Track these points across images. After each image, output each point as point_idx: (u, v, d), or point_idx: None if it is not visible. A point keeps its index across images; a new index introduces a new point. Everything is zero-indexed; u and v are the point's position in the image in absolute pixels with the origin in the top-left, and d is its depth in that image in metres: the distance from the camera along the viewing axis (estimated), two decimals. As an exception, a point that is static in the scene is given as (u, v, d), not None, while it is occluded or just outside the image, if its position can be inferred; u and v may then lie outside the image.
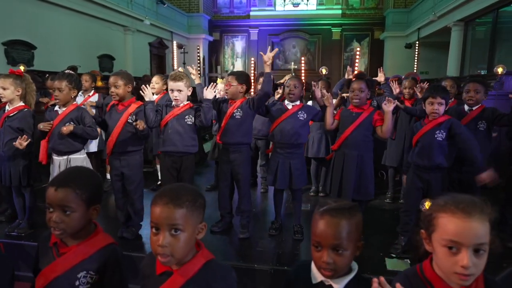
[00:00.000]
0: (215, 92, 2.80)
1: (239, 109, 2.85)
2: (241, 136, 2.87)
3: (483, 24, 8.73)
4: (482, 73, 8.74)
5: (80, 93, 4.39)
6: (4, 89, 2.80)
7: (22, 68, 5.25)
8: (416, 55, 11.71)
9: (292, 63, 15.08)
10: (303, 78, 6.78)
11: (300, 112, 2.90)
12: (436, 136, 2.51)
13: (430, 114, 2.54)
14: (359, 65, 9.93)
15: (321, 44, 15.39)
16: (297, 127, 2.87)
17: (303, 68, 9.95)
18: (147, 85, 2.80)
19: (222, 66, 16.03)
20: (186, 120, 2.77)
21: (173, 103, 2.81)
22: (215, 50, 16.00)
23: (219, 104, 2.96)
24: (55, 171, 2.71)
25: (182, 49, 11.90)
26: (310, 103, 3.78)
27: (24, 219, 3.00)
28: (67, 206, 1.17)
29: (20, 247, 2.77)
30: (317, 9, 15.46)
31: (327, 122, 2.88)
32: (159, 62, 12.96)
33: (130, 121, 2.72)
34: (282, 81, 4.50)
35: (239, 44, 16.10)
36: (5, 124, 2.85)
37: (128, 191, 2.84)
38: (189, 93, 2.84)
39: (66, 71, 2.83)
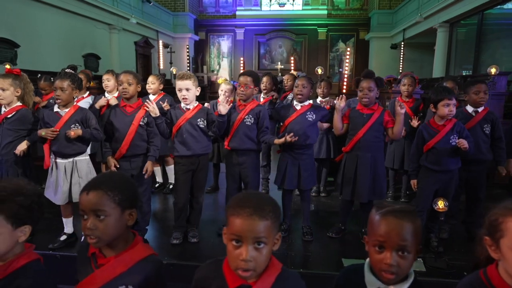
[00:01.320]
0: (228, 106, 2.68)
1: (250, 115, 2.80)
2: (251, 143, 2.82)
3: (468, 25, 8.97)
4: (464, 74, 8.99)
5: (73, 93, 4.24)
6: (4, 90, 2.66)
7: (8, 66, 5.01)
8: (401, 56, 11.92)
9: (279, 63, 15.11)
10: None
11: (308, 113, 2.88)
12: (451, 141, 2.55)
13: (445, 116, 2.57)
14: (348, 65, 10.08)
15: (307, 44, 15.48)
16: (306, 127, 2.84)
17: (292, 68, 10.01)
18: (151, 101, 2.72)
19: (208, 66, 15.87)
20: (198, 123, 2.73)
21: (182, 103, 2.74)
22: (200, 49, 15.84)
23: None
24: (60, 175, 2.59)
25: (169, 49, 11.71)
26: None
27: (22, 225, 2.86)
28: (100, 209, 1.11)
29: (56, 258, 2.63)
30: (303, 9, 15.54)
31: (337, 127, 2.86)
32: (144, 62, 12.73)
33: (142, 123, 2.67)
34: (285, 80, 4.47)
35: (225, 44, 16.00)
36: (2, 126, 2.71)
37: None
38: (198, 93, 2.77)
39: (67, 70, 2.71)
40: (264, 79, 4.13)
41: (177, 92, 2.74)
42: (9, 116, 2.73)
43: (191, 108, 2.75)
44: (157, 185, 4.20)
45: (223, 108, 2.63)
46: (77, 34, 9.04)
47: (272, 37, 15.64)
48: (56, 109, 2.63)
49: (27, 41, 7.30)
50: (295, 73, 4.44)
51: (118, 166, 2.63)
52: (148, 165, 2.69)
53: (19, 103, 2.77)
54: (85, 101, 4.07)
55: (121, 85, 2.64)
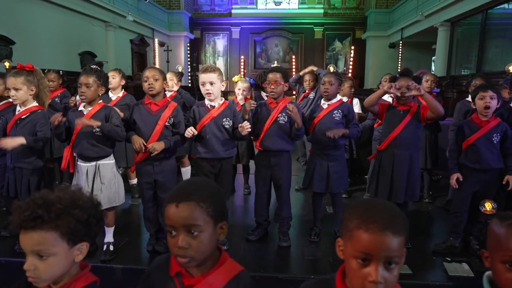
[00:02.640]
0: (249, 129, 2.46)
1: (283, 113, 2.65)
2: (285, 143, 2.68)
3: (467, 25, 8.99)
4: (463, 73, 9.02)
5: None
6: (16, 89, 2.43)
7: (7, 64, 4.77)
8: (400, 55, 11.94)
9: (275, 62, 14.98)
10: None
11: (335, 111, 2.75)
12: (493, 139, 2.46)
13: (482, 110, 2.47)
14: (351, 65, 9.98)
15: (303, 43, 15.39)
16: (333, 126, 2.72)
17: (293, 66, 9.90)
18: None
19: (203, 65, 15.65)
20: (224, 123, 2.54)
21: (206, 100, 2.57)
22: (196, 48, 15.60)
23: (256, 108, 2.76)
24: (81, 179, 2.40)
25: (166, 47, 11.48)
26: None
27: (35, 234, 2.65)
28: (194, 224, 0.94)
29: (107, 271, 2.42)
30: (299, 8, 15.45)
31: (371, 100, 2.62)
32: (140, 60, 12.44)
33: (168, 124, 2.49)
34: (302, 73, 4.34)
35: (220, 43, 15.79)
36: (16, 129, 2.50)
37: (161, 200, 2.58)
38: (223, 88, 2.60)
39: (92, 66, 2.52)
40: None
41: (200, 86, 2.56)
42: (23, 117, 2.52)
43: (216, 106, 2.58)
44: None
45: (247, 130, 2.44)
46: (73, 32, 8.76)
47: (268, 36, 15.51)
48: (81, 107, 2.45)
49: (23, 38, 7.01)
50: (314, 68, 4.28)
51: (145, 143, 2.40)
52: (157, 144, 2.38)
53: (35, 103, 2.56)
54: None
55: (146, 81, 2.47)
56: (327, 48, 15.46)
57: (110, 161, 2.47)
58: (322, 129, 2.71)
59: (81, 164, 2.42)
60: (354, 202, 0.94)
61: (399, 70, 12.12)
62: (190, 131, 2.40)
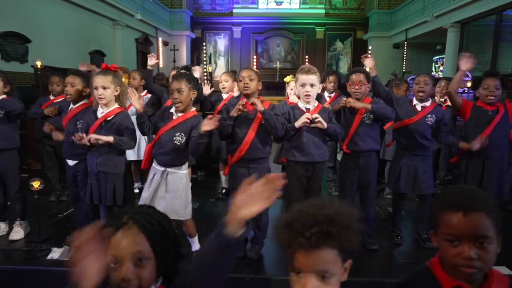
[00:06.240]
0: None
1: (368, 113, 2.61)
2: (374, 142, 2.65)
3: (480, 26, 9.16)
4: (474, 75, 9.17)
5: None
6: (105, 88, 2.33)
7: (38, 63, 4.56)
8: (404, 55, 12.09)
9: (278, 62, 14.96)
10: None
11: (429, 116, 2.72)
12: None
13: None
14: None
15: (305, 43, 15.37)
16: (425, 131, 2.70)
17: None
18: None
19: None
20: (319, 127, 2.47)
21: (301, 102, 2.50)
22: (196, 47, 15.40)
23: (339, 110, 2.71)
24: (155, 181, 2.32)
25: (173, 46, 11.28)
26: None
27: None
28: (485, 236, 0.92)
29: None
30: (300, 8, 15.43)
31: (454, 86, 2.68)
32: (143, 59, 12.18)
33: (263, 122, 2.40)
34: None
35: (221, 42, 15.61)
36: (101, 131, 2.36)
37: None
38: (319, 91, 2.56)
39: (181, 71, 2.45)
40: (330, 77, 4.02)
41: (299, 87, 2.50)
42: (108, 118, 2.39)
43: (311, 109, 2.52)
44: (224, 190, 3.90)
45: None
46: (84, 30, 8.51)
47: (269, 36, 15.42)
48: (172, 110, 2.34)
49: (37, 36, 6.75)
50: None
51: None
52: (256, 100, 2.31)
53: (117, 105, 2.44)
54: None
55: (241, 81, 2.43)
56: (329, 48, 15.50)
57: (184, 170, 2.38)
58: (413, 133, 2.69)
59: (156, 167, 2.35)
60: None
61: (403, 70, 12.30)
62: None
